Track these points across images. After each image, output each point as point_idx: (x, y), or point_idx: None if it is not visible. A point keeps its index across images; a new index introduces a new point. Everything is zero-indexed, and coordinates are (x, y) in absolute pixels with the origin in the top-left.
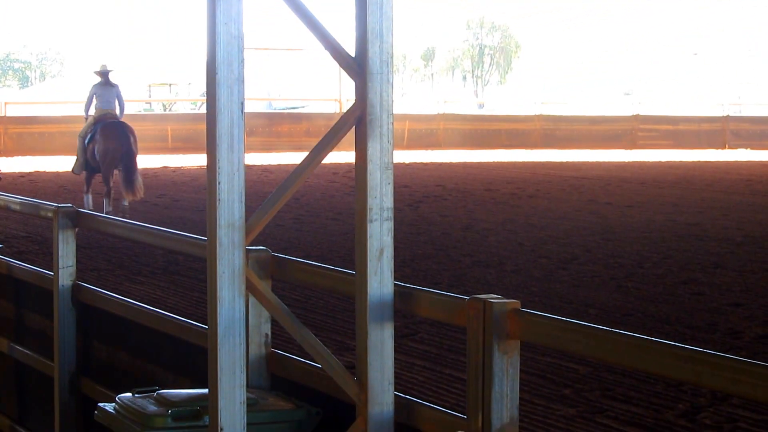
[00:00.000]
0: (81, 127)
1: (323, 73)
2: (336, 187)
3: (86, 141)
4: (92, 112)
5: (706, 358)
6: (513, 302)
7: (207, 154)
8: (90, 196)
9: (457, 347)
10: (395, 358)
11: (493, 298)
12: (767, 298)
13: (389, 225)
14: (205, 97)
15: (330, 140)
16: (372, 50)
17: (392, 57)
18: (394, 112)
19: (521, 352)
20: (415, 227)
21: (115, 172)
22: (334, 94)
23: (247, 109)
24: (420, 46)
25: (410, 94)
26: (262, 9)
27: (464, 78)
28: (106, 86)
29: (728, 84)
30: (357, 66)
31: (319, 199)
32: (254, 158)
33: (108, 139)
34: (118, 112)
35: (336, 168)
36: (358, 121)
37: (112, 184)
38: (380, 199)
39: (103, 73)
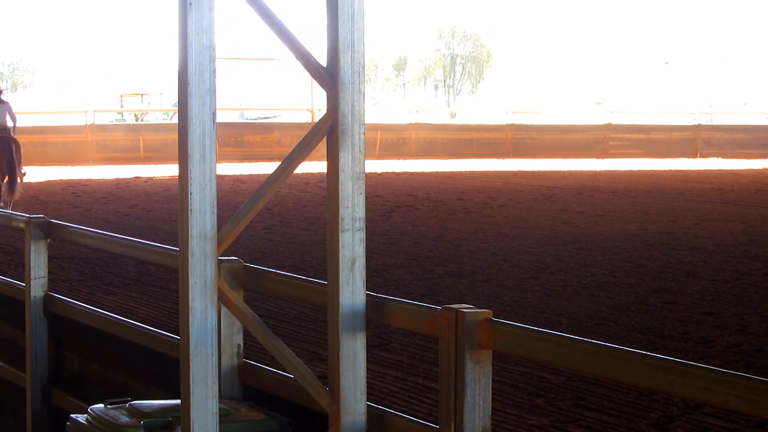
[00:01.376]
0: (52, 137)
1: (296, 82)
2: (308, 197)
3: None
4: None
5: (678, 367)
6: (485, 312)
7: (179, 164)
8: None
9: (429, 357)
10: (367, 368)
11: (465, 307)
12: (739, 306)
13: (361, 235)
14: (177, 108)
15: (302, 150)
16: (344, 60)
17: (364, 67)
18: (366, 121)
19: (493, 362)
20: (387, 237)
21: None
22: (307, 104)
23: (218, 119)
24: (392, 56)
25: (382, 104)
26: (234, 18)
27: (436, 87)
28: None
29: (699, 93)
30: (329, 76)
31: (291, 209)
32: (226, 168)
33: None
34: (10, 124)
35: (308, 178)
36: (330, 131)
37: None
38: (352, 209)
39: None
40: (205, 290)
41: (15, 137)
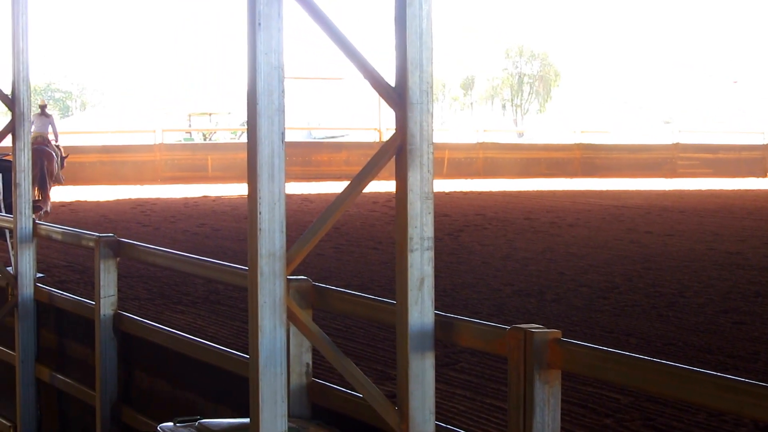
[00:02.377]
0: (121, 156)
1: (363, 102)
2: (376, 216)
3: None
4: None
5: (748, 388)
6: (554, 332)
7: (248, 183)
8: None
9: (498, 377)
10: (436, 388)
11: (534, 327)
12: None
13: (430, 254)
14: (245, 127)
15: (371, 170)
16: (412, 80)
17: (432, 87)
18: (434, 141)
19: (562, 382)
20: (456, 256)
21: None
22: (374, 123)
23: (287, 138)
24: (459, 75)
25: (450, 123)
26: (303, 38)
27: (503, 107)
28: (41, 116)
29: None
30: (397, 96)
31: (359, 229)
32: (294, 187)
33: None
34: (51, 137)
35: (376, 197)
36: (398, 151)
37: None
38: (420, 228)
39: (41, 107)
40: (274, 309)
41: (53, 149)
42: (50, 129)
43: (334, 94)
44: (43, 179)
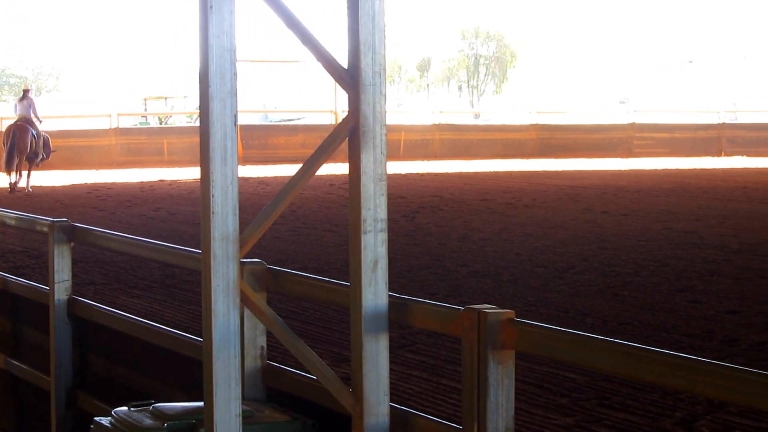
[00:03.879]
0: (77, 141)
1: (319, 84)
2: (332, 199)
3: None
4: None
5: (701, 366)
6: (507, 312)
7: (201, 167)
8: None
9: (453, 357)
10: (391, 369)
11: (488, 308)
12: (764, 305)
13: (383, 236)
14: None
15: (323, 152)
16: (365, 62)
17: (385, 68)
18: (390, 122)
19: (517, 362)
20: (412, 238)
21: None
22: (330, 105)
23: (242, 122)
24: (415, 57)
25: (406, 105)
26: (258, 21)
27: (460, 88)
28: (24, 100)
29: (724, 91)
30: (350, 78)
31: (315, 211)
32: (250, 170)
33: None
34: (33, 117)
35: (332, 179)
36: (351, 133)
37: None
38: (374, 210)
39: (24, 91)
40: (228, 293)
41: (33, 128)
42: (32, 112)
43: (290, 77)
44: (11, 152)
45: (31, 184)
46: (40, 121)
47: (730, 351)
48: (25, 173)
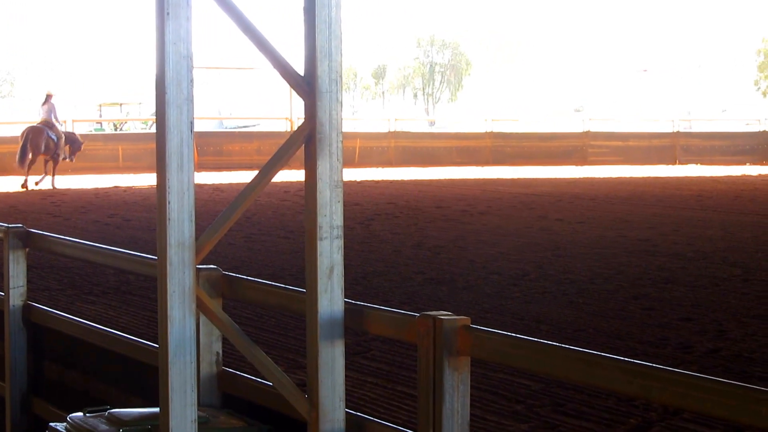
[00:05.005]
0: None
1: (275, 91)
2: (287, 206)
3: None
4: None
5: (655, 373)
6: (463, 319)
7: (157, 173)
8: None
9: (409, 364)
10: (347, 376)
11: (443, 315)
12: (718, 312)
13: (339, 243)
14: (155, 117)
15: (279, 159)
16: (321, 69)
17: (341, 75)
18: (346, 130)
19: (473, 369)
20: (367, 245)
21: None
22: (286, 112)
23: (198, 128)
24: (371, 64)
25: (361, 112)
26: (214, 28)
27: (415, 95)
28: (46, 104)
29: (678, 100)
30: (306, 85)
31: (270, 218)
32: (206, 177)
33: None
34: (54, 120)
35: (287, 186)
36: (307, 140)
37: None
38: (330, 217)
39: (47, 96)
40: (184, 299)
41: (51, 130)
42: (52, 115)
43: (246, 83)
44: (22, 152)
45: (47, 184)
46: (61, 124)
47: (684, 358)
48: (49, 174)
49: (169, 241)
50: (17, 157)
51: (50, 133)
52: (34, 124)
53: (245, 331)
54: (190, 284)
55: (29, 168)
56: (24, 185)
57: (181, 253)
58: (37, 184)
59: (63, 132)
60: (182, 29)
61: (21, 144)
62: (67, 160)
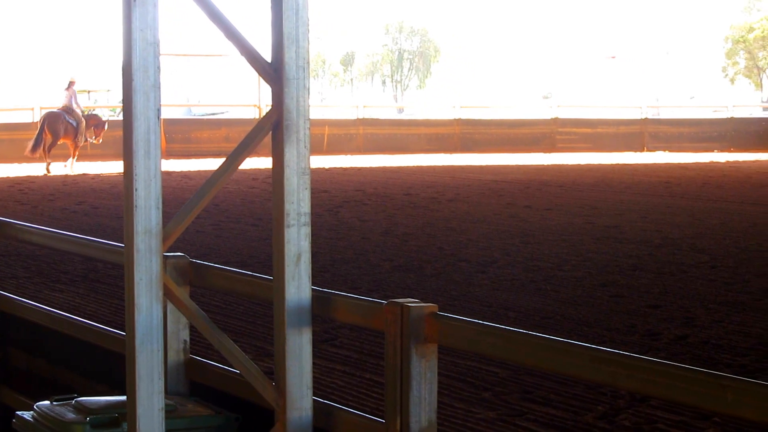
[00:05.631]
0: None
1: (244, 78)
2: (256, 193)
3: None
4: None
5: (622, 360)
6: (430, 306)
7: (124, 160)
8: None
9: (377, 351)
10: (315, 363)
11: (411, 302)
12: (685, 299)
13: (307, 230)
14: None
15: (246, 146)
16: (288, 56)
17: (308, 62)
18: (314, 117)
19: (441, 356)
20: (335, 232)
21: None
22: (254, 99)
23: (166, 115)
24: (339, 51)
25: (330, 99)
26: (182, 14)
27: (384, 82)
28: (68, 89)
29: (646, 86)
30: (273, 71)
31: (238, 205)
32: (174, 165)
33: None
34: (74, 105)
35: (256, 174)
36: (274, 127)
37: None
38: (297, 204)
39: (70, 82)
40: (151, 286)
41: (70, 115)
42: (73, 101)
43: (214, 70)
44: (37, 136)
45: (70, 168)
46: (81, 109)
47: (651, 345)
48: (72, 158)
49: (136, 228)
50: (31, 143)
51: (68, 118)
52: (53, 110)
53: (213, 318)
54: (157, 272)
55: (48, 153)
56: (47, 170)
57: (148, 240)
58: (65, 167)
59: (85, 116)
60: (149, 16)
61: (38, 130)
62: (93, 141)
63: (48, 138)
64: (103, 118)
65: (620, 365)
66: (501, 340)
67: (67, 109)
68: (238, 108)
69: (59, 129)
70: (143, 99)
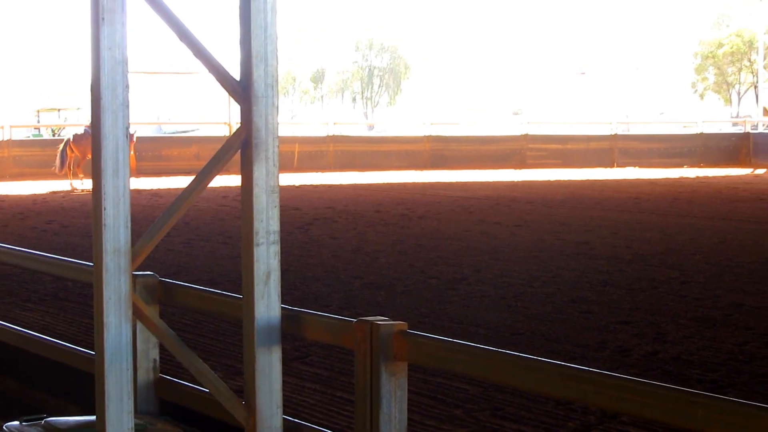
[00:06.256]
0: None
1: (215, 96)
2: (226, 211)
3: None
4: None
5: (591, 377)
6: (400, 324)
7: (92, 179)
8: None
9: (348, 369)
10: (285, 381)
11: (380, 320)
12: (655, 315)
13: (276, 248)
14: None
15: (216, 164)
16: (257, 74)
17: (277, 80)
18: (284, 134)
19: (412, 373)
20: (306, 250)
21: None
22: (225, 117)
23: (137, 133)
24: (309, 68)
25: (300, 117)
26: (153, 32)
27: (354, 99)
28: None
29: (616, 102)
30: (242, 90)
31: (209, 223)
32: (144, 183)
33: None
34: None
35: (226, 191)
36: (243, 145)
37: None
38: (266, 222)
39: None
40: (120, 305)
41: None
42: None
43: (185, 88)
44: (60, 155)
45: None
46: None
47: (622, 361)
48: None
49: (105, 247)
50: (58, 161)
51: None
52: (78, 132)
53: (183, 337)
54: (126, 291)
55: (79, 168)
56: (72, 187)
57: (117, 259)
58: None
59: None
60: (117, 34)
61: (61, 148)
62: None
63: (72, 155)
64: (130, 131)
65: (589, 382)
66: (470, 358)
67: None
68: (208, 126)
69: (85, 146)
70: (112, 117)
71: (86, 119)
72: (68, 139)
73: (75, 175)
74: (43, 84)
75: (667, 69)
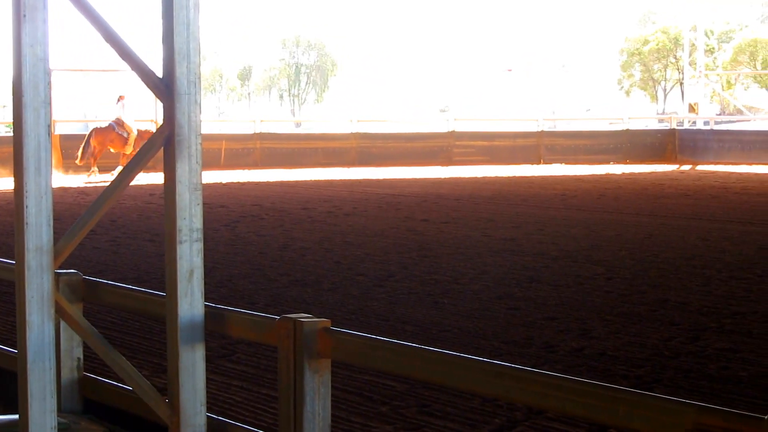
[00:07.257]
0: None
1: (141, 93)
2: (153, 208)
3: None
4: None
5: (514, 373)
6: (323, 321)
7: (14, 177)
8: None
9: (275, 367)
10: (211, 379)
11: (304, 317)
12: (582, 311)
13: (199, 246)
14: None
15: (138, 162)
16: (179, 71)
17: (200, 77)
18: (211, 131)
19: (337, 370)
20: (232, 247)
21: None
22: (151, 114)
23: (62, 131)
24: (236, 65)
25: (227, 114)
26: (78, 29)
27: (281, 97)
28: (117, 104)
29: (542, 99)
30: (164, 87)
31: (135, 221)
32: (72, 180)
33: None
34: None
35: (153, 189)
36: (166, 142)
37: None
38: (189, 220)
39: (120, 98)
40: (42, 304)
41: (117, 128)
42: (123, 114)
43: (111, 85)
44: (84, 146)
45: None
46: (133, 122)
47: (548, 357)
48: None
49: (27, 245)
50: (80, 152)
51: (119, 130)
52: (103, 124)
53: (109, 335)
54: (48, 289)
55: (91, 162)
56: (89, 176)
57: (39, 257)
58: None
59: (139, 129)
60: (39, 32)
61: (84, 141)
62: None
63: (93, 147)
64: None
65: (513, 378)
66: (393, 354)
67: (119, 122)
68: (135, 123)
69: (105, 140)
70: (33, 115)
71: (10, 116)
72: (91, 131)
73: (89, 168)
74: None
75: (594, 66)
